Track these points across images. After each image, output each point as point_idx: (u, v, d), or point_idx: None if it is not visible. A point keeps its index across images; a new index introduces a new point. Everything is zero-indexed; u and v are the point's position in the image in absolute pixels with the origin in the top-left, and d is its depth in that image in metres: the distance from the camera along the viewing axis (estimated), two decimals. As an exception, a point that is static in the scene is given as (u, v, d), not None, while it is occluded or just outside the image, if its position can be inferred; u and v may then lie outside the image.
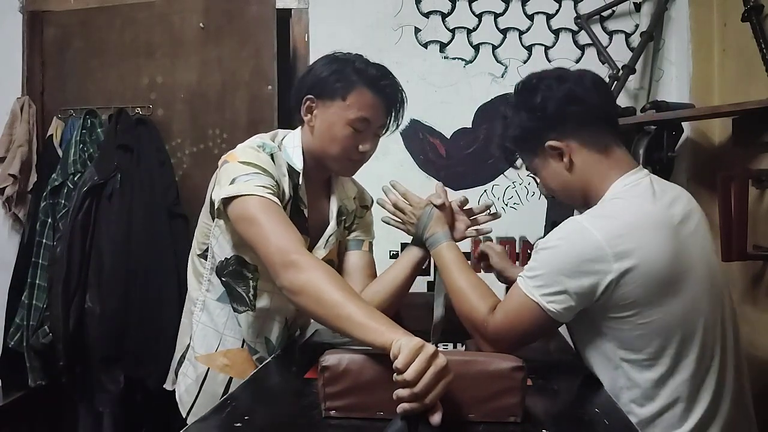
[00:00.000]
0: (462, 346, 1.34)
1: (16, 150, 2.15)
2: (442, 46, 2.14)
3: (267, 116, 2.10)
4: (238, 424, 0.86)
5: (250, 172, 1.13)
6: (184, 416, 1.29)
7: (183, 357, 1.33)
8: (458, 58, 2.13)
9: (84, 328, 1.90)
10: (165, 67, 2.17)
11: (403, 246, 1.97)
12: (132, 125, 2.07)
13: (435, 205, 1.28)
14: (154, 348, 1.85)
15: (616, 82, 1.94)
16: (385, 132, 1.30)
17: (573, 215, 1.09)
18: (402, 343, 0.81)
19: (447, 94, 2.12)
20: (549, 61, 2.10)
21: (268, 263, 1.06)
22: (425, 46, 2.14)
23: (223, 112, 2.14)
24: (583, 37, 2.09)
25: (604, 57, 2.03)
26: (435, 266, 1.30)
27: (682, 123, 1.84)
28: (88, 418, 2.08)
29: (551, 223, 1.87)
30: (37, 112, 2.23)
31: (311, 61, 2.11)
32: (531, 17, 2.12)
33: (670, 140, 1.79)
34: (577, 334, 1.17)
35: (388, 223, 1.38)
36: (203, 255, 1.30)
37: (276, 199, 1.12)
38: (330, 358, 0.87)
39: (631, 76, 1.96)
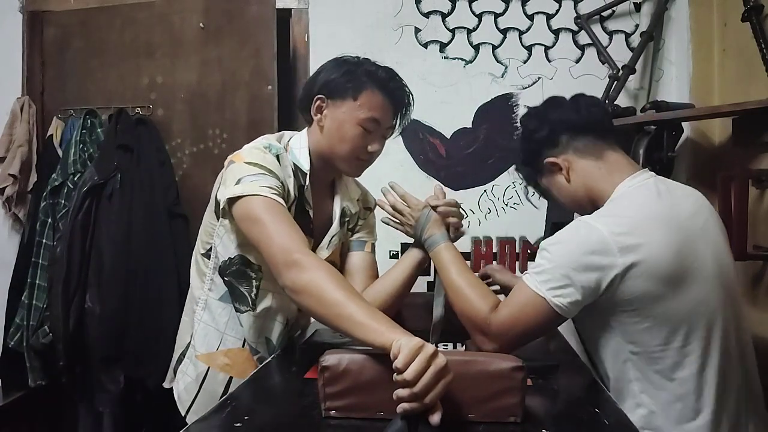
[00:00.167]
0: (462, 346, 1.34)
1: (16, 150, 2.15)
2: (442, 46, 2.14)
3: (267, 116, 2.10)
4: (238, 424, 0.86)
5: (255, 172, 1.15)
6: (183, 414, 1.29)
7: (183, 355, 1.33)
8: (458, 58, 2.13)
9: (84, 328, 1.90)
10: (165, 67, 2.17)
11: (403, 246, 1.98)
12: (132, 125, 2.07)
13: (432, 207, 1.29)
14: (154, 348, 1.85)
15: (616, 82, 1.95)
16: (392, 134, 1.33)
17: (573, 216, 1.12)
18: (402, 343, 0.81)
19: (447, 94, 2.12)
20: (549, 61, 2.10)
21: (271, 262, 1.07)
22: (425, 46, 2.14)
23: (223, 112, 2.14)
24: (583, 37, 2.09)
25: (604, 57, 2.03)
26: (434, 267, 1.31)
27: (682, 123, 1.84)
28: (88, 418, 2.08)
29: (551, 224, 1.88)
30: (37, 112, 2.23)
31: (311, 61, 2.16)
32: (531, 17, 2.12)
33: (670, 140, 1.79)
34: (586, 329, 1.19)
35: (388, 224, 1.40)
36: (206, 254, 1.31)
37: (281, 200, 1.13)
38: (330, 358, 0.87)
39: (631, 76, 1.96)
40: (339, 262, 1.42)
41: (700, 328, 1.05)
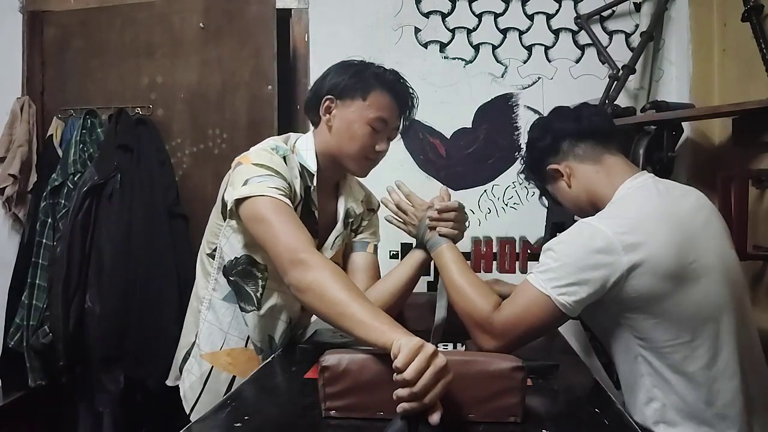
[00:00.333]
0: (462, 346, 1.34)
1: (16, 150, 2.15)
2: (442, 46, 2.14)
3: (267, 116, 2.10)
4: (238, 424, 0.86)
5: (263, 173, 1.16)
6: (187, 412, 1.30)
7: (188, 354, 1.34)
8: (458, 58, 2.13)
9: (84, 328, 1.90)
10: (165, 67, 2.17)
11: (404, 246, 1.98)
12: (132, 125, 2.07)
13: (429, 217, 1.31)
14: (154, 348, 1.85)
15: (616, 82, 1.94)
16: (395, 135, 1.36)
17: (573, 216, 1.13)
18: (402, 343, 0.81)
19: (447, 94, 2.12)
20: (549, 61, 2.10)
21: (277, 261, 1.08)
22: (425, 46, 2.14)
23: (223, 112, 2.14)
24: (583, 37, 2.09)
25: (604, 57, 2.03)
26: (436, 268, 1.31)
27: (682, 123, 1.84)
28: (88, 418, 2.08)
29: (552, 224, 1.88)
30: (37, 112, 2.23)
31: (311, 61, 2.16)
32: (531, 17, 2.12)
33: (670, 140, 1.79)
34: (596, 327, 1.21)
35: (391, 222, 1.42)
36: (212, 254, 1.32)
37: (287, 201, 1.15)
38: (330, 358, 0.87)
39: (631, 76, 1.96)
40: (342, 262, 1.43)
41: (708, 322, 1.06)
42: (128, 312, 1.91)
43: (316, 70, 2.15)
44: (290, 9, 2.18)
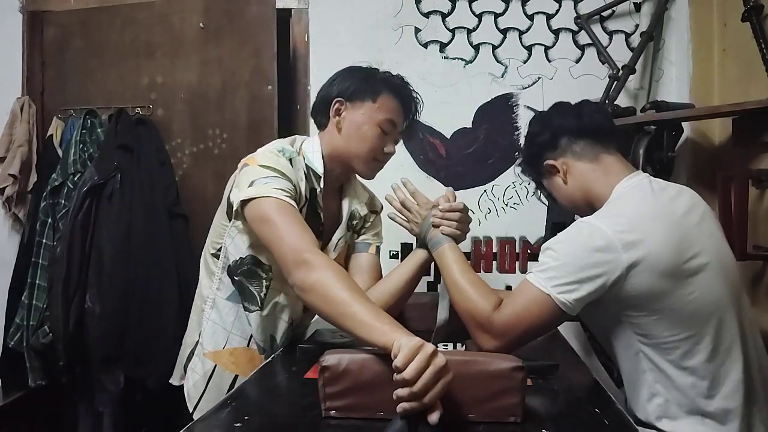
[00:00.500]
0: (462, 346, 1.34)
1: (16, 150, 2.15)
2: (442, 46, 2.14)
3: (267, 116, 2.10)
4: (238, 424, 0.86)
5: (268, 175, 1.18)
6: (191, 411, 1.31)
7: (192, 353, 1.35)
8: (458, 58, 2.13)
9: (84, 328, 1.90)
10: (165, 67, 2.17)
11: (404, 246, 1.98)
12: (132, 125, 2.07)
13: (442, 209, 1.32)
14: (154, 348, 1.86)
15: (616, 82, 1.94)
16: (400, 138, 1.38)
17: (573, 216, 1.13)
18: (402, 343, 0.82)
19: (447, 94, 2.12)
20: (549, 61, 2.10)
21: (281, 261, 1.09)
22: (425, 46, 2.14)
23: (223, 112, 2.14)
24: (583, 37, 2.09)
25: (604, 57, 2.03)
26: (437, 268, 1.31)
27: (682, 123, 1.84)
28: (88, 418, 2.08)
29: (552, 224, 1.88)
30: (37, 112, 2.23)
31: (311, 61, 2.16)
32: (531, 17, 2.12)
33: (670, 140, 1.79)
34: (596, 325, 1.21)
35: (393, 219, 1.42)
36: (216, 254, 1.34)
37: (293, 202, 1.16)
38: (330, 358, 0.87)
39: (631, 76, 1.96)
40: (343, 264, 1.44)
41: (707, 318, 1.07)
42: (128, 312, 1.91)
43: (316, 70, 2.15)
44: (290, 9, 2.18)
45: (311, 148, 1.32)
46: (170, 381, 1.41)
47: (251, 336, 1.32)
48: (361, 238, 1.46)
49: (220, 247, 1.32)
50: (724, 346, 1.08)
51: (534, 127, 1.30)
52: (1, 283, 2.12)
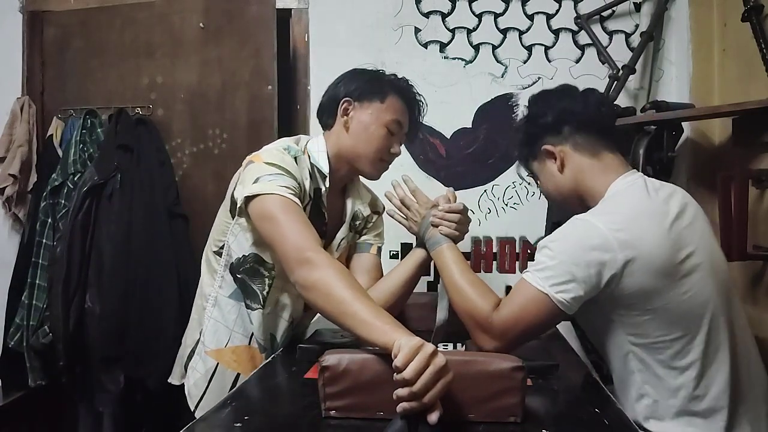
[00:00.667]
0: (462, 346, 1.34)
1: (16, 150, 2.15)
2: (442, 46, 2.14)
3: (267, 116, 2.10)
4: (238, 424, 0.86)
5: (273, 172, 1.18)
6: (192, 409, 1.31)
7: (193, 351, 1.35)
8: (458, 58, 2.13)
9: (84, 328, 1.90)
10: (165, 67, 2.17)
11: (403, 246, 1.98)
12: (132, 125, 2.06)
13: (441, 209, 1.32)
14: (154, 348, 1.85)
15: (616, 82, 1.94)
16: (405, 140, 1.39)
17: (573, 215, 1.13)
18: (402, 343, 0.82)
19: (447, 94, 2.12)
20: (549, 61, 2.10)
21: (284, 259, 1.10)
22: (425, 46, 2.14)
23: (223, 112, 2.14)
24: (583, 37, 2.09)
25: (604, 57, 2.03)
26: (437, 268, 1.31)
27: (682, 123, 1.84)
28: (88, 418, 2.08)
29: (552, 224, 1.87)
30: (37, 112, 2.23)
31: (311, 61, 2.16)
32: (531, 17, 2.12)
33: (670, 140, 1.79)
34: (588, 325, 1.21)
35: (392, 216, 1.43)
36: (218, 252, 1.34)
37: (297, 200, 1.16)
38: (330, 358, 0.87)
39: (631, 76, 1.96)
40: (346, 263, 1.45)
41: (698, 318, 1.07)
42: (128, 312, 1.91)
43: (316, 70, 2.15)
44: (290, 9, 2.18)
45: (316, 147, 1.33)
46: (169, 380, 1.41)
47: (252, 334, 1.32)
48: (363, 238, 1.47)
49: (223, 245, 1.32)
50: (714, 346, 1.08)
51: (537, 107, 1.26)
52: (1, 283, 2.12)
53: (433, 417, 0.79)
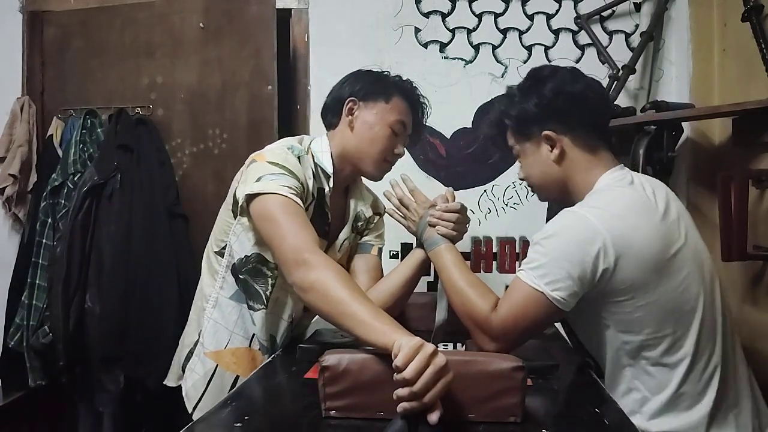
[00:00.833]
0: (462, 346, 1.34)
1: (16, 150, 2.15)
2: (442, 46, 2.14)
3: (267, 116, 2.10)
4: (239, 424, 0.86)
5: (276, 172, 1.18)
6: (190, 411, 1.30)
7: (191, 353, 1.34)
8: (458, 58, 2.13)
9: (84, 328, 1.90)
10: (165, 67, 2.17)
11: (403, 246, 1.98)
12: (132, 125, 2.07)
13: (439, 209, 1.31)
14: (154, 348, 1.85)
15: (616, 82, 1.94)
16: (408, 141, 1.39)
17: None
18: (402, 343, 0.82)
19: (447, 94, 2.12)
20: (549, 61, 2.10)
21: (282, 260, 1.10)
22: (425, 46, 2.14)
23: (223, 112, 2.14)
24: (583, 37, 2.09)
25: (604, 57, 2.03)
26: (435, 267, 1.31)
27: (682, 123, 1.84)
28: (88, 418, 2.08)
29: (551, 224, 1.87)
30: (37, 112, 2.23)
31: (311, 61, 2.16)
32: (531, 17, 2.12)
33: (670, 140, 1.79)
34: (578, 323, 1.20)
35: (392, 216, 1.42)
36: (220, 252, 1.33)
37: (298, 200, 1.16)
38: (330, 358, 0.87)
39: (631, 76, 1.96)
40: (347, 264, 1.45)
41: (689, 315, 1.07)
42: (128, 312, 1.91)
43: (316, 70, 2.15)
44: (290, 9, 2.18)
45: (320, 147, 1.33)
46: (165, 382, 1.40)
47: (253, 336, 1.31)
48: (364, 239, 1.47)
49: (225, 245, 1.31)
50: (704, 342, 1.07)
51: (550, 87, 1.16)
52: (1, 283, 2.12)
53: (434, 417, 0.79)
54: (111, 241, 1.94)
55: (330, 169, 1.31)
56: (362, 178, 1.44)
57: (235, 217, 1.28)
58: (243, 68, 2.13)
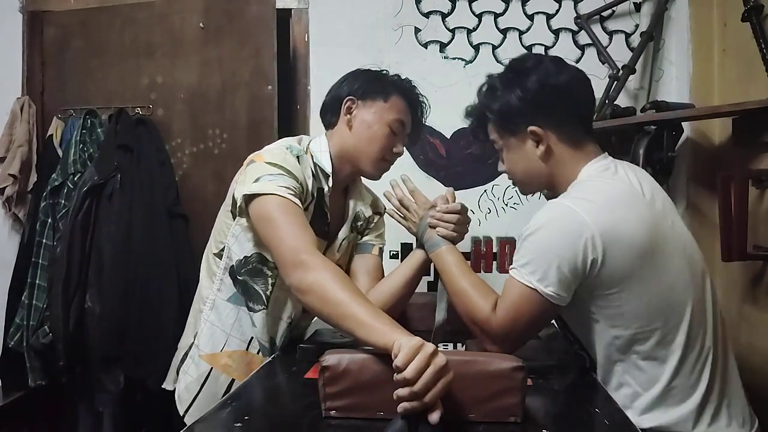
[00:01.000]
0: (462, 346, 1.34)
1: (16, 150, 2.15)
2: (442, 46, 2.14)
3: (267, 116, 2.10)
4: (238, 424, 0.86)
5: (274, 172, 1.18)
6: (181, 414, 1.29)
7: (186, 355, 1.34)
8: (458, 58, 2.13)
9: (84, 328, 1.90)
10: (165, 67, 2.17)
11: (403, 246, 1.98)
12: (132, 125, 2.06)
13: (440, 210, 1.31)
14: (154, 348, 1.85)
15: (616, 82, 1.94)
16: (407, 140, 1.39)
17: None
18: (402, 342, 0.82)
19: (447, 94, 2.11)
20: (549, 61, 2.10)
21: (279, 262, 1.10)
22: (425, 46, 2.14)
23: (223, 112, 2.14)
24: (583, 37, 2.09)
25: (604, 57, 2.02)
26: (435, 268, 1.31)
27: (682, 123, 1.84)
28: (88, 418, 2.08)
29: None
30: (37, 112, 2.23)
31: (311, 61, 2.16)
32: (531, 17, 2.12)
33: (670, 140, 1.79)
34: (570, 318, 1.19)
35: (392, 216, 1.42)
36: (219, 254, 1.33)
37: (297, 201, 1.16)
38: (330, 358, 0.87)
39: (631, 76, 1.96)
40: (347, 264, 1.45)
41: (677, 306, 1.06)
42: (128, 312, 1.91)
43: (316, 70, 2.15)
44: (290, 9, 2.18)
45: (319, 147, 1.33)
46: (163, 386, 1.39)
47: (251, 339, 1.31)
48: (365, 239, 1.46)
49: (224, 247, 1.31)
50: (694, 335, 1.06)
51: (530, 79, 1.11)
52: (1, 283, 2.12)
53: (435, 417, 0.79)
54: (111, 241, 1.94)
55: (329, 169, 1.30)
56: (362, 178, 1.44)
57: (234, 218, 1.28)
58: (243, 68, 2.12)
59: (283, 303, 1.32)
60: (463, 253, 1.29)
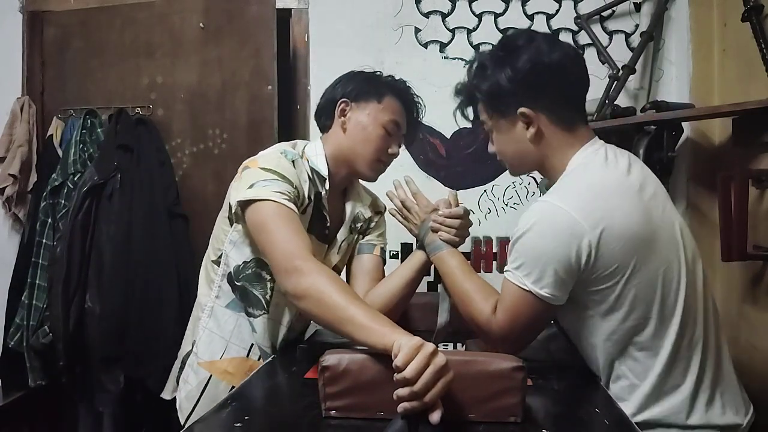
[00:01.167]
0: (462, 346, 1.34)
1: (16, 150, 2.15)
2: (442, 46, 2.14)
3: (267, 116, 2.10)
4: (239, 424, 0.86)
5: (269, 178, 1.17)
6: (182, 422, 1.29)
7: (184, 363, 1.33)
8: (458, 58, 2.13)
9: (84, 328, 1.90)
10: (165, 67, 2.17)
11: (403, 246, 1.98)
12: (132, 125, 2.07)
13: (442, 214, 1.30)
14: (154, 348, 1.85)
15: (616, 82, 1.94)
16: (403, 141, 1.39)
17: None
18: (402, 342, 0.82)
19: (447, 94, 2.10)
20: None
21: (274, 268, 1.10)
22: (425, 46, 2.14)
23: (223, 112, 2.14)
24: (583, 37, 2.08)
25: (604, 57, 2.02)
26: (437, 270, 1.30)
27: (682, 123, 1.84)
28: (88, 418, 2.08)
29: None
30: (37, 112, 2.23)
31: (311, 61, 2.16)
32: (531, 17, 2.12)
33: (670, 140, 1.79)
34: (565, 318, 1.18)
35: (394, 216, 1.42)
36: (217, 261, 1.32)
37: (292, 206, 1.15)
38: (330, 358, 0.87)
39: (631, 76, 1.95)
40: (348, 265, 1.45)
41: (670, 295, 1.05)
42: (128, 312, 1.91)
43: (316, 70, 2.15)
44: (290, 9, 2.18)
45: (314, 151, 1.32)
46: (161, 395, 1.38)
47: (251, 346, 1.30)
48: (366, 239, 1.46)
49: (222, 254, 1.30)
50: (687, 324, 1.05)
51: (520, 56, 1.07)
52: (1, 283, 2.12)
53: (435, 416, 0.79)
54: (111, 241, 1.94)
55: (325, 172, 1.29)
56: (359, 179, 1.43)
57: (231, 225, 1.27)
58: (243, 68, 2.12)
59: (282, 308, 1.31)
60: (463, 253, 1.29)
